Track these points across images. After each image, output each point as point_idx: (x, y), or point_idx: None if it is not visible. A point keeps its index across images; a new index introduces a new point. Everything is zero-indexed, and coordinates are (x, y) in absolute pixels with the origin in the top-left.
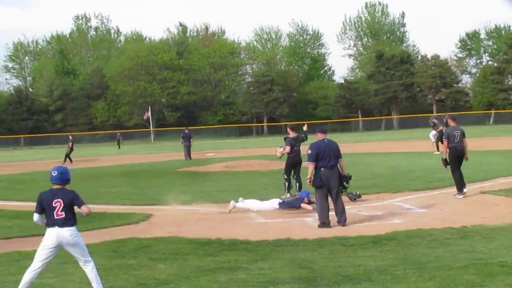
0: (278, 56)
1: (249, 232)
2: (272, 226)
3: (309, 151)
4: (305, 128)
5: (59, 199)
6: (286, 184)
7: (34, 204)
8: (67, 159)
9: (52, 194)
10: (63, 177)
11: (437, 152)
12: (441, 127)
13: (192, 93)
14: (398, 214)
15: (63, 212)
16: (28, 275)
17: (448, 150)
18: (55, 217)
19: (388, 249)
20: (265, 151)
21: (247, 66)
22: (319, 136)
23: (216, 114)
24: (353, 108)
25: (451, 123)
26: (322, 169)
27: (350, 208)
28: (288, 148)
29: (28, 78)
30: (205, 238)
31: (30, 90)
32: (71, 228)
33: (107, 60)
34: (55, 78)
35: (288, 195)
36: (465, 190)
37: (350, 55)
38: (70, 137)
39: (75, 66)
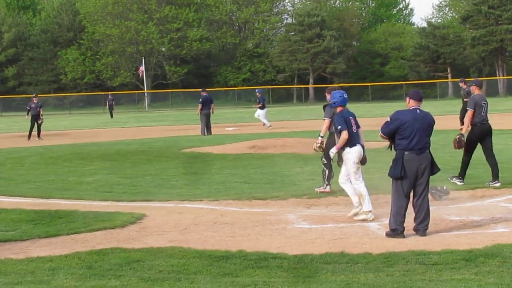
0: None
1: (285, 242)
2: (318, 234)
3: (388, 119)
4: None
5: None
6: (326, 172)
7: None
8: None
9: None
10: None
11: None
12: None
13: (205, 40)
14: (503, 220)
15: None
16: None
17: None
18: None
19: (487, 270)
20: (310, 125)
21: (286, 1)
22: (411, 104)
23: (240, 70)
24: (440, 64)
25: (476, 91)
26: (406, 152)
27: (434, 210)
28: (327, 121)
29: None
30: (222, 250)
31: None
32: None
33: None
34: (5, 15)
35: (328, 188)
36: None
37: None
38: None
39: None
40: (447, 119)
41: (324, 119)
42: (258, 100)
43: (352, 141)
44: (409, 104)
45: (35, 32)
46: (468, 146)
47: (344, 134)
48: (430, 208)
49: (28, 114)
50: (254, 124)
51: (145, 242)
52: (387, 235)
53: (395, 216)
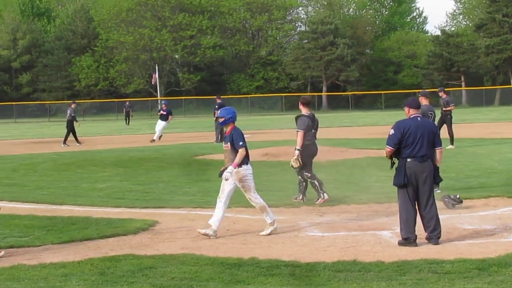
0: None
1: (297, 250)
2: (331, 242)
3: (391, 131)
4: None
5: None
6: (317, 184)
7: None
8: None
9: None
10: None
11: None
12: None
13: (219, 47)
14: None
15: None
16: None
17: None
18: None
19: (501, 279)
20: (323, 133)
21: (300, 8)
22: (410, 112)
23: (254, 78)
24: (454, 72)
25: (424, 102)
26: (409, 160)
27: (447, 218)
28: (301, 134)
29: None
30: (234, 257)
31: None
32: None
33: None
34: (20, 22)
35: (326, 196)
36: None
37: None
38: (127, 103)
39: (50, 5)
40: (461, 128)
41: (297, 131)
42: (159, 110)
43: (247, 158)
44: (409, 113)
45: (50, 39)
46: None
47: (243, 151)
48: (443, 216)
49: (76, 120)
50: (267, 131)
51: (158, 249)
52: (400, 243)
53: (405, 224)
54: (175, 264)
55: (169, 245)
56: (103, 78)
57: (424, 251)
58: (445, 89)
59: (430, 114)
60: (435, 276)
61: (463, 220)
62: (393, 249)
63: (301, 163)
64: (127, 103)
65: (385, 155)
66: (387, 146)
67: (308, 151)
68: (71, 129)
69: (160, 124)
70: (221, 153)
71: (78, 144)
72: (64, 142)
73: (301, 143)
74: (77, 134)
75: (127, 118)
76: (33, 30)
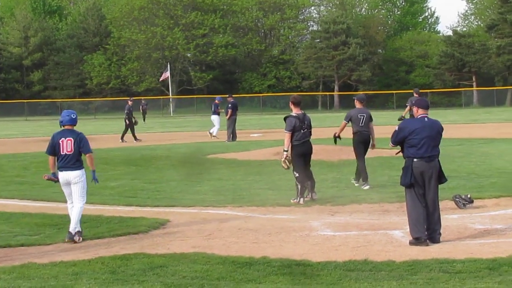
0: None
1: (309, 249)
2: (342, 242)
3: (397, 128)
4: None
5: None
6: (299, 187)
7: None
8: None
9: None
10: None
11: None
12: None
13: (231, 46)
14: None
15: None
16: None
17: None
18: None
19: None
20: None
21: (312, 8)
22: (419, 112)
23: (266, 77)
24: (465, 72)
25: (357, 105)
26: (415, 160)
27: (458, 218)
28: (287, 136)
29: None
30: (245, 256)
31: None
32: None
33: None
34: (32, 20)
35: (301, 200)
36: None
37: None
38: (143, 101)
39: (62, 3)
40: (472, 128)
41: (285, 132)
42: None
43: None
44: (417, 112)
45: (61, 37)
46: (356, 152)
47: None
48: (454, 216)
49: (133, 117)
50: (278, 130)
51: (169, 247)
52: (411, 243)
53: (415, 224)
54: (186, 263)
55: (180, 244)
56: (114, 76)
57: (435, 251)
58: (419, 91)
59: (361, 116)
60: (446, 275)
61: (474, 220)
62: (404, 248)
63: (288, 165)
64: (143, 101)
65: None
66: (391, 142)
67: (296, 151)
68: (128, 126)
69: (216, 119)
70: (234, 152)
71: (135, 141)
72: (122, 138)
73: (287, 144)
74: (135, 131)
75: (144, 116)
76: (44, 28)
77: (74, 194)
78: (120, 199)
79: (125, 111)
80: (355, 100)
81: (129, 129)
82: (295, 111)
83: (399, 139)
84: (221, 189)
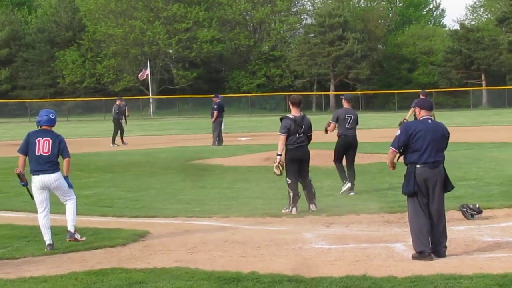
0: None
1: (302, 264)
2: (338, 255)
3: (398, 132)
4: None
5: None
6: (291, 194)
7: None
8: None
9: None
10: None
11: None
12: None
13: (216, 42)
14: None
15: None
16: None
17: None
18: None
19: None
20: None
21: (306, 0)
22: (422, 114)
23: (255, 75)
24: (474, 70)
25: (345, 105)
26: (418, 166)
27: (465, 230)
28: (281, 138)
29: None
30: (232, 271)
31: None
32: None
33: None
34: None
35: (294, 210)
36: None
37: None
38: (123, 102)
39: None
40: (481, 131)
41: (279, 134)
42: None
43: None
44: (420, 114)
45: (31, 31)
46: (335, 155)
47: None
48: (461, 228)
49: (122, 118)
50: (269, 134)
51: (149, 262)
52: (414, 257)
53: (418, 236)
54: (168, 279)
55: (161, 258)
56: (89, 75)
57: (440, 266)
58: (426, 91)
59: (348, 117)
60: None
61: (483, 232)
62: (407, 263)
63: (282, 170)
64: (123, 102)
65: (387, 159)
66: (391, 147)
67: (290, 156)
68: (118, 128)
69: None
70: (220, 157)
71: (122, 145)
72: (113, 141)
73: (281, 148)
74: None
75: (125, 117)
76: (12, 21)
77: (61, 196)
78: (95, 209)
79: (114, 112)
80: (343, 100)
81: (118, 131)
82: (293, 112)
83: (400, 143)
84: (206, 198)
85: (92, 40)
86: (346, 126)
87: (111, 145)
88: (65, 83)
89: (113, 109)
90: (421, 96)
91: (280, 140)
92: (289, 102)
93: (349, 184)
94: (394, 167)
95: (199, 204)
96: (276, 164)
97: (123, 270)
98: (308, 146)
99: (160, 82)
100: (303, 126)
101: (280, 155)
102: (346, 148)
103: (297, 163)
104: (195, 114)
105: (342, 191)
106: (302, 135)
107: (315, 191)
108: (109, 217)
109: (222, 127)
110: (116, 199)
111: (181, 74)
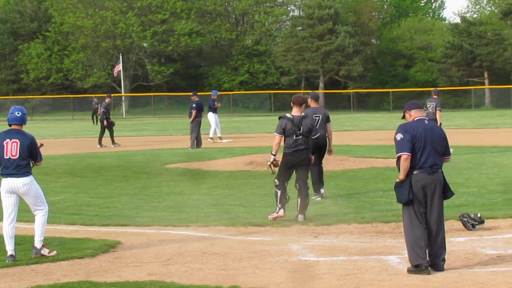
0: None
1: (287, 278)
2: (327, 269)
3: (399, 136)
4: None
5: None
6: (278, 194)
7: None
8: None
9: None
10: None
11: None
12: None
13: (195, 34)
14: None
15: None
16: None
17: None
18: None
19: None
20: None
21: None
22: (415, 114)
23: (237, 72)
24: (476, 67)
25: (312, 104)
26: (415, 171)
27: (466, 242)
28: (276, 138)
29: None
30: (211, 286)
31: None
32: None
33: None
34: None
35: (281, 212)
36: (322, 191)
37: None
38: (95, 99)
39: None
40: (484, 134)
41: (275, 135)
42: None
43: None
44: (411, 116)
45: None
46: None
47: None
48: (461, 239)
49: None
50: (252, 135)
51: (120, 275)
52: (409, 271)
53: (413, 248)
54: None
55: (134, 271)
56: (56, 70)
57: (438, 280)
58: (439, 90)
59: (316, 117)
60: None
61: (485, 244)
62: (402, 277)
63: (274, 170)
64: (95, 99)
65: (398, 167)
66: (402, 152)
67: (285, 161)
68: (105, 128)
69: (212, 118)
70: (198, 161)
71: (113, 146)
72: (99, 143)
73: (275, 148)
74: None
75: (94, 117)
76: None
77: (31, 204)
78: (61, 217)
79: (102, 110)
80: (309, 99)
81: (106, 131)
82: (293, 112)
83: (410, 145)
84: (183, 206)
85: (59, 32)
86: (315, 126)
87: (98, 146)
88: (30, 79)
89: (101, 107)
90: (433, 95)
91: (275, 141)
92: (292, 102)
93: (319, 198)
94: (407, 177)
95: (175, 212)
96: (269, 163)
97: (91, 283)
98: (309, 147)
99: (133, 79)
100: (302, 128)
101: (275, 155)
102: (318, 148)
103: (292, 169)
104: (171, 114)
105: (313, 197)
106: (300, 137)
107: (309, 201)
108: (77, 225)
109: (216, 126)
110: (85, 206)
111: (156, 70)
